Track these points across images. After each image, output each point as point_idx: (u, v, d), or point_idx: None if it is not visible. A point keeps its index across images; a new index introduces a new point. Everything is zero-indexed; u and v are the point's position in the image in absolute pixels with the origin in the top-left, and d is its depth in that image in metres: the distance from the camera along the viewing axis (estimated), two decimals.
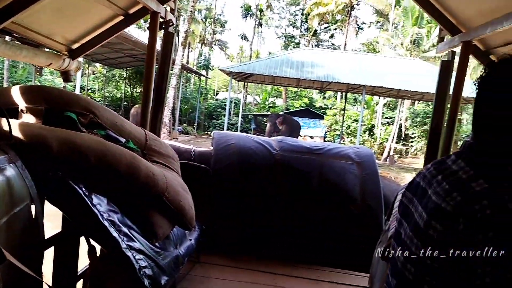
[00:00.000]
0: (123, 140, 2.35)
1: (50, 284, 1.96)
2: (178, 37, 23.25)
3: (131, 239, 1.96)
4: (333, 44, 40.40)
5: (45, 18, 2.97)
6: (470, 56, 3.07)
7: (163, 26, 3.33)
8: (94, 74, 29.21)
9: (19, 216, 1.64)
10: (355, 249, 3.35)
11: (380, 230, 2.95)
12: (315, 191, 3.48)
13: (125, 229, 1.96)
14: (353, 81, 18.34)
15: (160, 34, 3.45)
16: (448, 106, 3.11)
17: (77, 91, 15.52)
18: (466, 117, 24.71)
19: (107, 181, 2.04)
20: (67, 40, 3.33)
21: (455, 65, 3.17)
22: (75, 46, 3.42)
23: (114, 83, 27.39)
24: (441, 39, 3.40)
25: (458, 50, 3.12)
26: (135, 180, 2.10)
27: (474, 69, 18.48)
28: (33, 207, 1.72)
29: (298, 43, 40.89)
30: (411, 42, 23.47)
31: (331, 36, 41.10)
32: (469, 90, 1.44)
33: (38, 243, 1.76)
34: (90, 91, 26.78)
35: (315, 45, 38.70)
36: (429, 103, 23.57)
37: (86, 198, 1.87)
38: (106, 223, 1.88)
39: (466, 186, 0.94)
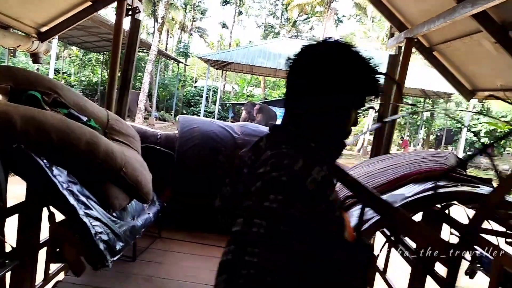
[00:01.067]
0: (84, 118, 2.53)
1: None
2: (156, 23, 23.07)
3: (89, 208, 2.15)
4: (313, 36, 40.67)
5: (14, 1, 3.09)
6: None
7: (130, 13, 3.48)
8: (70, 57, 28.77)
9: None
10: None
11: None
12: None
13: (83, 199, 2.15)
14: None
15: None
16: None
17: (51, 74, 15.36)
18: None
19: (68, 156, 2.22)
20: (36, 23, 3.45)
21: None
22: (44, 29, 3.55)
23: (90, 67, 27.02)
24: (391, 35, 3.67)
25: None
26: (94, 155, 2.29)
27: None
28: None
29: (278, 33, 41.00)
30: (386, 36, 23.92)
31: (311, 28, 41.40)
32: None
33: (0, 207, 1.94)
34: (65, 74, 26.40)
35: (295, 36, 38.89)
36: (404, 96, 24.17)
37: (47, 169, 2.05)
38: (65, 192, 2.07)
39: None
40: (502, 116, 20.14)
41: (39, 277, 2.64)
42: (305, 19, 40.44)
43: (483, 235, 1.90)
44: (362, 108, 1.15)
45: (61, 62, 25.52)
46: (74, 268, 2.18)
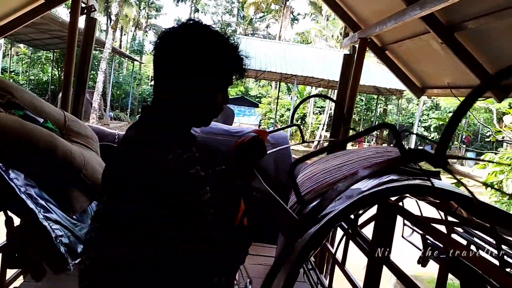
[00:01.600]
0: (41, 120, 2.47)
1: None
2: (110, 20, 22.48)
3: (48, 211, 2.11)
4: (269, 34, 41.05)
5: None
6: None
7: (85, 11, 3.42)
8: (18, 55, 27.52)
9: None
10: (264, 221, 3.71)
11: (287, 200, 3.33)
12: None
13: (42, 202, 2.11)
14: (285, 70, 18.88)
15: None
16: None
17: None
18: (390, 108, 26.36)
19: (25, 158, 2.17)
20: None
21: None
22: None
23: (40, 66, 25.95)
24: (346, 34, 3.79)
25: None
26: (52, 157, 2.24)
27: None
28: None
29: (235, 31, 41.01)
30: (340, 34, 24.50)
31: (267, 26, 41.72)
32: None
33: None
34: (13, 73, 25.23)
35: (251, 34, 39.08)
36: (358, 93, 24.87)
37: (3, 173, 2.00)
38: (23, 196, 2.02)
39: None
40: (449, 112, 21.12)
41: None
42: (261, 17, 40.69)
43: (434, 225, 2.03)
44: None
45: (8, 61, 24.36)
46: (35, 272, 2.13)
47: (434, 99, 22.23)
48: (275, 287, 1.82)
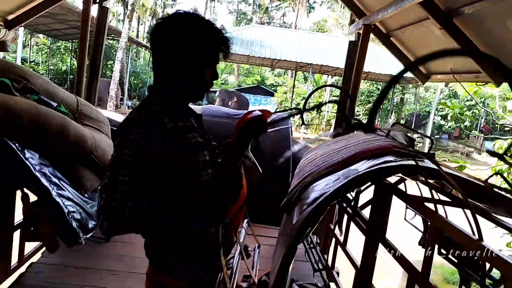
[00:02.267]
0: (54, 104, 2.62)
1: None
2: (126, 9, 22.67)
3: (61, 188, 2.26)
4: (285, 22, 40.78)
5: None
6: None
7: (98, 1, 3.54)
8: (38, 45, 28.00)
9: None
10: (264, 203, 3.88)
11: (287, 183, 3.47)
12: None
13: (55, 180, 2.26)
14: (301, 59, 18.82)
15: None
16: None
17: (18, 63, 14.99)
18: (407, 96, 26.05)
19: (39, 139, 2.31)
20: (2, 11, 3.46)
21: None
22: (10, 17, 3.56)
23: (59, 56, 26.39)
24: (352, 21, 3.84)
25: None
26: (65, 139, 2.39)
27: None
28: None
29: (250, 20, 40.88)
30: None
31: (283, 14, 41.44)
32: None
33: None
34: (33, 63, 25.72)
35: (267, 23, 38.88)
36: (374, 82, 24.63)
37: (19, 153, 2.15)
38: (38, 174, 2.17)
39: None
40: (467, 100, 20.80)
41: (15, 258, 2.75)
42: (277, 5, 40.44)
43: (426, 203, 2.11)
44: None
45: (28, 51, 24.83)
46: (49, 245, 2.28)
47: (451, 87, 21.91)
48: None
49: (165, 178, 1.22)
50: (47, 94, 2.65)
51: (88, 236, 2.31)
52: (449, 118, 22.04)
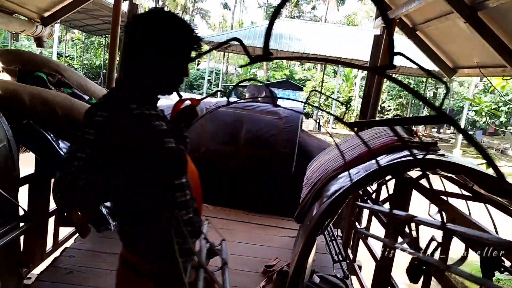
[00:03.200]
0: (86, 97, 2.76)
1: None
2: (157, 5, 23.02)
3: None
4: (315, 16, 40.39)
5: None
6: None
7: None
8: (73, 40, 28.83)
9: None
10: (268, 188, 4.01)
11: (290, 172, 3.65)
12: (240, 138, 4.09)
13: None
14: (330, 53, 18.68)
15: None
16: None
17: (54, 58, 15.51)
18: (440, 91, 25.43)
19: (72, 130, 2.45)
20: (39, 8, 3.64)
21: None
22: (46, 14, 3.74)
23: (93, 50, 27.11)
24: (377, 15, 3.83)
25: None
26: None
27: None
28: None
29: (280, 14, 40.67)
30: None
31: (313, 8, 41.04)
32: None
33: (14, 177, 2.17)
34: (68, 58, 26.51)
35: (297, 16, 38.65)
36: (405, 76, 24.17)
37: (53, 142, 2.29)
38: None
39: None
40: (505, 95, 20.14)
41: (50, 243, 2.92)
42: None
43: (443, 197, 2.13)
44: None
45: (63, 46, 25.62)
46: (81, 231, 2.42)
47: (485, 81, 21.27)
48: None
49: (125, 158, 1.28)
50: (79, 88, 2.79)
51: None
52: (483, 113, 21.39)
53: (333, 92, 24.51)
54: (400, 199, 2.41)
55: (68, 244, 3.18)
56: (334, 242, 3.08)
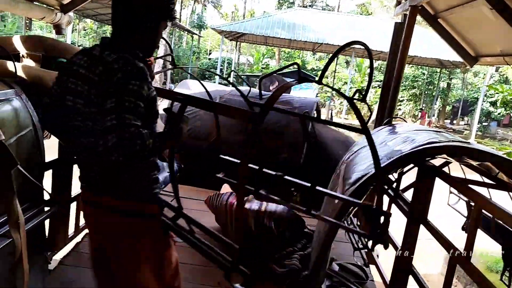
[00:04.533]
0: None
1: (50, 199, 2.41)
2: None
3: None
4: (327, 5, 39.95)
5: None
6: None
7: None
8: (85, 30, 28.95)
9: (25, 138, 2.08)
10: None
11: (296, 162, 3.59)
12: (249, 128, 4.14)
13: None
14: (343, 43, 18.42)
15: None
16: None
17: None
18: (454, 82, 25.11)
19: None
20: None
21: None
22: (66, 1, 3.75)
23: None
24: (398, 2, 3.77)
25: None
26: None
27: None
28: None
29: (293, 3, 40.38)
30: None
31: None
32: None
33: (39, 162, 2.20)
34: (81, 47, 26.62)
35: (310, 6, 38.27)
36: (418, 66, 23.89)
37: None
38: None
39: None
40: None
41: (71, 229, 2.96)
42: None
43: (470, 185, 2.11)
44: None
45: (76, 35, 25.74)
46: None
47: (501, 72, 20.94)
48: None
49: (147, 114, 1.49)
50: None
51: None
52: (498, 104, 21.08)
53: (345, 83, 24.33)
54: (423, 188, 2.39)
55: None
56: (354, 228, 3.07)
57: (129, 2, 1.56)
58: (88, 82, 1.50)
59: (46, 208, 2.35)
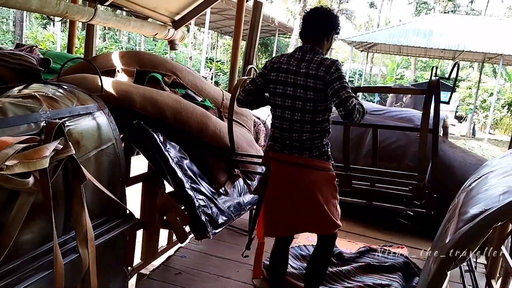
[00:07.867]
0: (200, 98, 2.71)
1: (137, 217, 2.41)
2: (299, 6, 23.26)
3: (195, 182, 2.31)
4: (472, 10, 36.35)
5: None
6: None
7: None
8: (224, 46, 30.83)
9: (106, 152, 2.08)
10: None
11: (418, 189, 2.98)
12: (362, 147, 3.77)
13: (190, 173, 2.32)
14: (488, 50, 16.52)
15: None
16: None
17: (203, 62, 16.63)
18: None
19: (179, 133, 2.41)
20: (170, 12, 3.78)
21: None
22: (177, 17, 3.87)
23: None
24: None
25: None
26: (203, 134, 2.45)
27: None
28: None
29: (432, 10, 37.69)
30: None
31: (471, 1, 36.96)
32: None
33: (120, 176, 2.20)
34: (219, 62, 28.42)
35: (452, 11, 35.26)
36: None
37: (160, 144, 2.26)
38: (174, 166, 2.25)
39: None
40: None
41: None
42: None
43: None
44: None
45: (216, 51, 27.60)
46: (178, 235, 2.36)
47: None
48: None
49: None
50: (194, 89, 2.76)
51: (217, 230, 2.32)
52: None
53: (491, 94, 21.70)
54: None
55: (183, 243, 3.20)
56: (471, 273, 2.52)
57: (327, 21, 2.14)
58: (299, 74, 2.03)
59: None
